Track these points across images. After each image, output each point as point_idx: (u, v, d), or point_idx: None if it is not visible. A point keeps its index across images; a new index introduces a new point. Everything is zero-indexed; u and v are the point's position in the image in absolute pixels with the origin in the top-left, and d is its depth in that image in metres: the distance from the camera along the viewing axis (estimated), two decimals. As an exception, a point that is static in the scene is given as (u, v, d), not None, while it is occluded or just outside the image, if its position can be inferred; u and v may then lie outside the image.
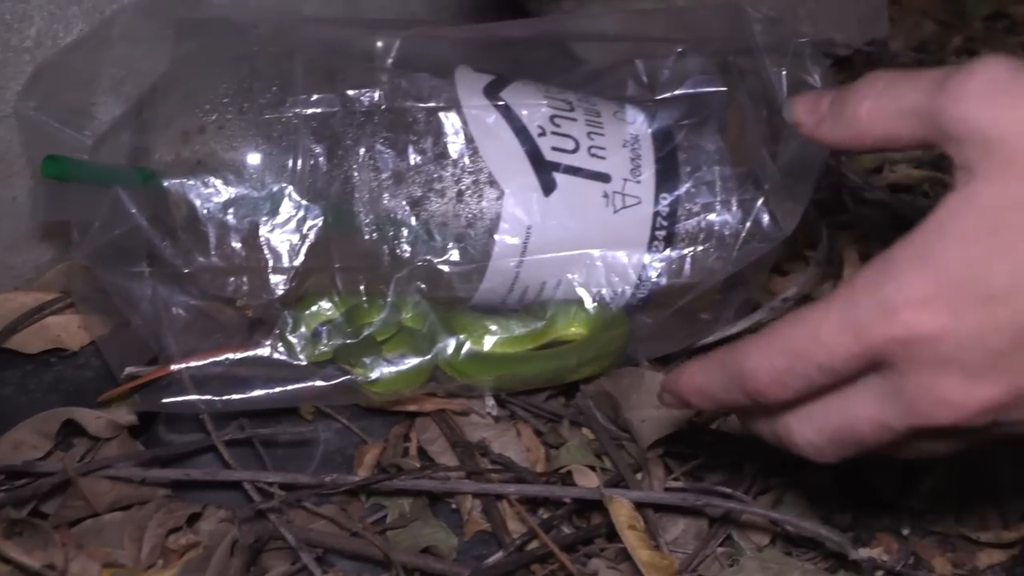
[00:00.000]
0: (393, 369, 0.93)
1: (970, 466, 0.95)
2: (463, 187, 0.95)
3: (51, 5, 0.95)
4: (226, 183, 0.90)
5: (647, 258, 0.98)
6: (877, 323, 0.62)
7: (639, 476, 0.92)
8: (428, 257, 0.95)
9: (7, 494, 0.86)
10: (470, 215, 0.95)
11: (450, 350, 0.95)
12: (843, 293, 0.64)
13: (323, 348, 0.94)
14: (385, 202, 0.93)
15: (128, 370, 0.92)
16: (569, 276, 0.98)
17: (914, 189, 1.24)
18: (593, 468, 0.93)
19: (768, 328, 0.67)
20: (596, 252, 0.97)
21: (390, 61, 1.04)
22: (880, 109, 0.68)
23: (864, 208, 1.20)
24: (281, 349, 0.93)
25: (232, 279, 0.93)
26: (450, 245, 0.95)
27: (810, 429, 0.68)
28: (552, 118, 0.97)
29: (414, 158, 0.94)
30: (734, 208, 0.99)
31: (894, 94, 0.67)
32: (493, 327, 0.98)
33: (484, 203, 0.95)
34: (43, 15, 0.95)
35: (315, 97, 0.93)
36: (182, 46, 0.96)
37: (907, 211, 1.17)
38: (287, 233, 0.91)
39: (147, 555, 0.85)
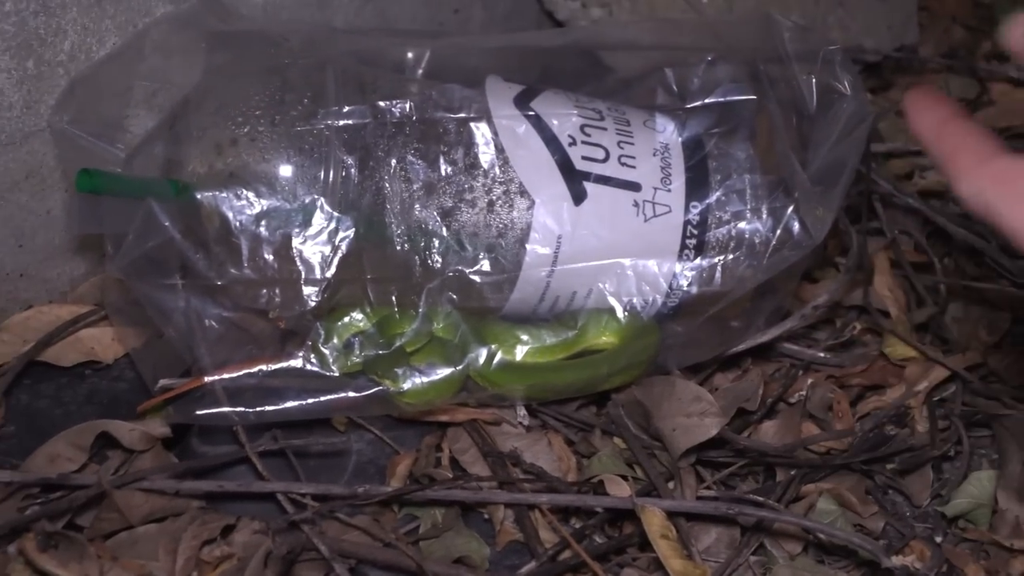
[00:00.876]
0: (425, 379, 0.93)
1: (1003, 473, 0.95)
2: (494, 197, 0.95)
3: (85, 19, 0.96)
4: (258, 195, 0.91)
5: (678, 267, 0.98)
6: None
7: (671, 485, 0.92)
8: (459, 267, 0.95)
9: (43, 507, 0.86)
10: (501, 225, 0.95)
11: (481, 360, 0.95)
12: None
13: (355, 359, 0.94)
14: (416, 213, 0.94)
15: (162, 382, 0.92)
16: (600, 285, 0.98)
17: (944, 195, 1.23)
18: (625, 477, 0.93)
19: None
20: (627, 261, 0.97)
21: (420, 72, 1.05)
22: None
23: (895, 214, 1.20)
24: (313, 360, 0.93)
25: (264, 291, 0.93)
26: (481, 255, 0.95)
27: None
28: (582, 127, 0.97)
29: (445, 169, 0.94)
30: (764, 216, 0.99)
31: None
32: (524, 337, 0.98)
33: (515, 213, 0.95)
34: (77, 29, 0.96)
35: (346, 109, 0.93)
36: (214, 58, 0.96)
37: (937, 217, 1.16)
38: (319, 245, 0.92)
39: (181, 567, 0.85)
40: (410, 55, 1.05)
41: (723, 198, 0.98)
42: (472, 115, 0.96)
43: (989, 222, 0.56)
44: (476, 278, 0.95)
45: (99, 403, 0.98)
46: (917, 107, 0.60)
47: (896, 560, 0.84)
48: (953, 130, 0.59)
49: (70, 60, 0.96)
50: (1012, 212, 0.55)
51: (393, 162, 0.93)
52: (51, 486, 0.88)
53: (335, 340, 0.94)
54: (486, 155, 0.95)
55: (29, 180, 0.98)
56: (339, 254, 0.92)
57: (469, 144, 0.95)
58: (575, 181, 0.96)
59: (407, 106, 0.95)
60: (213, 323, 0.94)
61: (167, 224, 0.89)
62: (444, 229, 0.94)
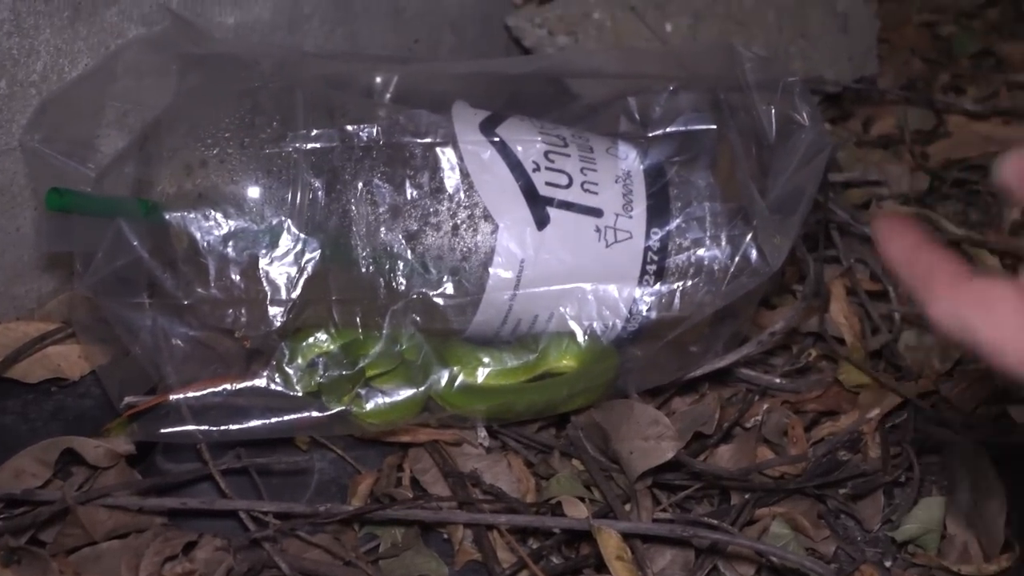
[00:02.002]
0: (387, 400, 0.94)
1: (952, 499, 0.97)
2: (458, 221, 0.96)
3: (57, 40, 0.97)
4: (226, 216, 0.91)
5: (638, 292, 0.99)
6: None
7: (627, 507, 0.93)
8: (423, 290, 0.96)
9: (6, 522, 0.87)
10: (465, 248, 0.96)
11: (443, 382, 0.96)
12: None
13: (319, 379, 0.94)
14: (382, 235, 0.95)
15: (127, 399, 0.92)
16: (561, 309, 0.99)
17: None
18: (582, 499, 0.94)
19: None
20: (588, 286, 0.99)
21: (388, 97, 1.05)
22: None
23: (851, 242, 1.21)
24: (278, 380, 0.94)
25: (231, 310, 0.94)
26: (445, 278, 0.96)
27: None
28: (547, 153, 0.99)
29: (411, 192, 0.95)
30: (723, 243, 1.00)
31: None
32: (486, 359, 0.99)
33: (479, 237, 0.96)
34: (49, 50, 0.96)
35: (315, 132, 0.94)
36: (186, 80, 0.97)
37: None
38: (285, 266, 0.92)
39: (144, 582, 0.86)
40: (379, 80, 1.06)
41: (683, 225, 1.00)
42: (438, 140, 0.97)
43: (964, 342, 0.56)
44: (440, 300, 0.96)
45: (65, 419, 0.98)
46: (886, 234, 0.59)
47: (847, 583, 0.86)
48: (925, 255, 0.58)
49: (42, 80, 0.97)
50: (992, 333, 0.55)
51: (360, 185, 0.94)
52: (15, 501, 0.88)
53: (299, 360, 0.95)
54: (451, 179, 0.96)
55: (-1, 198, 0.99)
56: (305, 275, 0.92)
57: (435, 168, 0.96)
58: (538, 206, 0.97)
59: (374, 130, 0.96)
60: (179, 341, 0.94)
61: (136, 243, 0.90)
62: (409, 252, 0.95)
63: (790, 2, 1.47)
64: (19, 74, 0.95)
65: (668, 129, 1.04)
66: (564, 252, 0.98)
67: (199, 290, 0.92)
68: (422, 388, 0.95)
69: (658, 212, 1.00)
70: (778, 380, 1.07)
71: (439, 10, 1.33)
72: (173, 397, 0.91)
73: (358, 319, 0.96)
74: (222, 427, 0.91)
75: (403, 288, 0.95)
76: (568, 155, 0.99)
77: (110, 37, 1.01)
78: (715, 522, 0.92)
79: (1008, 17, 1.79)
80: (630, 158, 1.02)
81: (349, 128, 0.95)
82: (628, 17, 1.37)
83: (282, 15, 1.15)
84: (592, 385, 0.99)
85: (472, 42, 1.38)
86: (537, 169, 0.98)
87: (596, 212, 0.98)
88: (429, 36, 1.33)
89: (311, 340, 0.97)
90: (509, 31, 1.37)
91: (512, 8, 1.40)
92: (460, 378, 0.97)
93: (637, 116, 1.07)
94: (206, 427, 0.91)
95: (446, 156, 0.97)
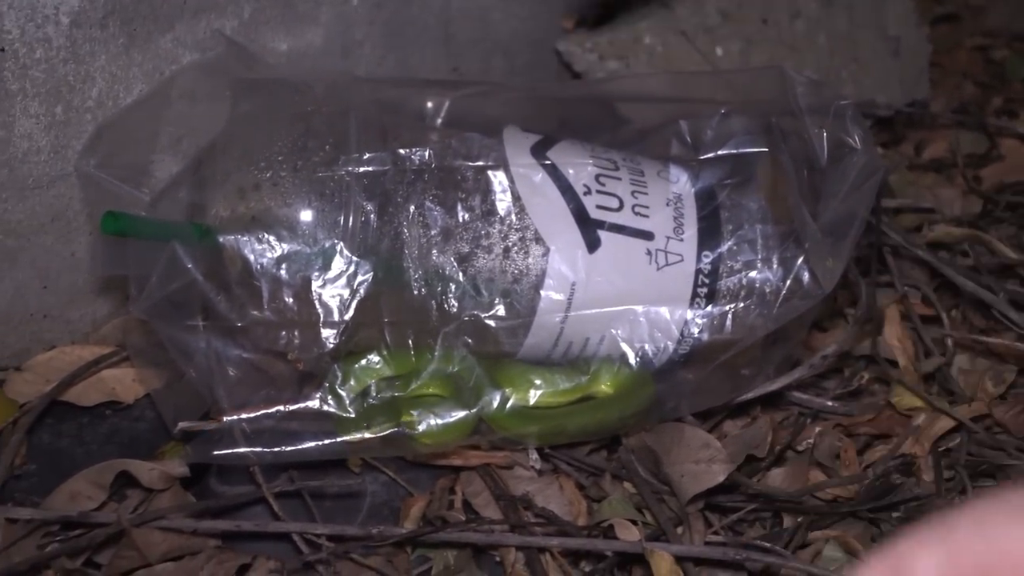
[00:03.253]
0: (439, 421, 0.94)
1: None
2: (510, 243, 0.96)
3: (113, 66, 0.98)
4: (279, 239, 0.92)
5: (689, 314, 0.99)
6: None
7: (680, 530, 0.93)
8: (475, 312, 0.96)
9: (62, 544, 0.88)
10: (516, 271, 0.96)
11: (495, 404, 0.96)
12: None
13: (371, 401, 0.95)
14: (434, 258, 0.95)
15: (181, 425, 0.93)
16: (613, 332, 0.99)
17: (953, 247, 1.24)
18: (634, 522, 0.94)
19: None
20: (639, 308, 0.98)
21: (440, 121, 1.06)
22: None
23: (904, 265, 1.21)
24: (331, 402, 0.94)
25: (284, 333, 0.94)
26: (496, 301, 0.96)
27: None
28: (597, 177, 0.99)
29: (462, 215, 0.96)
30: (775, 266, 1.00)
31: None
32: (538, 381, 0.99)
33: (530, 259, 0.96)
34: (105, 76, 0.98)
35: (367, 156, 0.94)
36: (240, 105, 0.98)
37: (946, 269, 1.17)
38: (338, 288, 0.93)
39: (198, 604, 0.86)
40: (430, 104, 1.07)
41: (735, 247, 1.00)
42: (490, 163, 0.97)
43: None
44: (491, 323, 0.96)
45: (119, 442, 0.99)
46: None
47: (901, 606, 0.85)
48: None
49: (98, 106, 0.98)
50: None
51: (412, 208, 0.95)
52: (71, 524, 0.89)
53: (352, 382, 0.95)
54: (503, 202, 0.97)
55: (55, 223, 1.00)
56: (357, 297, 0.93)
57: (486, 191, 0.97)
58: (589, 229, 0.97)
59: (427, 153, 0.96)
60: (233, 364, 0.94)
61: (190, 266, 0.90)
62: (461, 274, 0.95)
63: (842, 26, 1.46)
64: (75, 100, 0.96)
65: (719, 152, 1.04)
66: (615, 275, 0.98)
67: (253, 312, 0.93)
68: (474, 410, 0.95)
69: (709, 235, 1.00)
70: (830, 403, 1.07)
71: (490, 36, 1.34)
72: (227, 419, 0.92)
73: (410, 341, 0.97)
74: (275, 449, 0.91)
75: (455, 310, 0.96)
76: (619, 178, 1.00)
77: (164, 63, 1.02)
78: (768, 545, 0.91)
79: (1061, 41, 1.78)
80: (681, 181, 1.02)
81: (401, 151, 0.95)
82: (679, 42, 1.37)
83: (334, 42, 1.16)
84: (634, 411, 0.99)
85: (523, 68, 1.38)
86: (588, 192, 0.98)
87: (647, 235, 0.98)
88: (480, 62, 1.33)
89: (363, 362, 0.97)
90: (560, 56, 1.38)
91: (562, 33, 1.41)
92: (512, 400, 0.97)
93: (688, 139, 1.07)
94: (259, 449, 0.91)
95: (497, 179, 0.97)
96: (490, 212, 0.96)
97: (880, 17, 1.51)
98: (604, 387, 1.01)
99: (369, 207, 0.94)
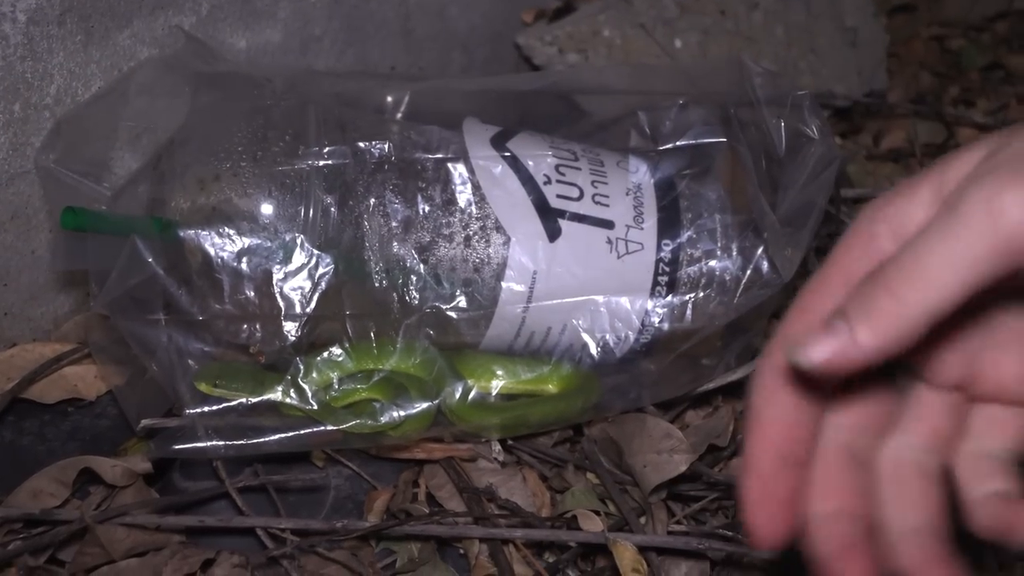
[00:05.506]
0: (401, 413, 0.94)
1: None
2: (471, 233, 0.96)
3: (71, 63, 0.98)
4: (240, 232, 0.92)
5: (650, 303, 1.00)
6: None
7: (643, 520, 0.93)
8: (437, 304, 0.96)
9: (25, 542, 0.87)
10: (477, 260, 0.96)
11: (457, 396, 0.96)
12: None
13: (333, 393, 0.95)
14: (395, 249, 0.95)
15: (144, 422, 0.92)
16: (575, 322, 0.99)
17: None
18: (598, 512, 0.94)
19: None
20: (600, 298, 0.99)
21: (400, 114, 1.06)
22: None
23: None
24: (292, 394, 0.94)
25: (245, 326, 0.94)
26: (458, 292, 0.96)
27: None
28: (557, 167, 0.99)
29: (423, 207, 0.96)
30: (735, 255, 1.00)
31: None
32: (499, 371, 1.00)
33: (491, 249, 0.97)
34: (63, 73, 0.97)
35: (327, 148, 0.94)
36: (199, 98, 0.98)
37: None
38: (299, 281, 0.93)
39: (162, 600, 0.86)
40: (390, 98, 1.07)
41: (694, 236, 1.00)
42: (450, 155, 0.98)
43: None
44: (453, 314, 0.96)
45: (81, 440, 0.98)
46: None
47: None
48: None
49: (56, 103, 0.98)
50: None
51: (372, 200, 0.95)
52: (34, 521, 0.89)
53: (314, 375, 0.95)
54: (463, 194, 0.97)
55: (14, 221, 0.99)
56: (319, 290, 0.93)
57: (446, 183, 0.97)
58: (550, 218, 0.97)
59: (386, 146, 0.96)
60: (195, 358, 0.94)
61: (151, 260, 0.90)
62: (422, 265, 0.95)
63: (799, 18, 1.47)
64: (33, 98, 0.96)
65: (678, 143, 1.04)
66: (576, 264, 0.98)
67: (214, 306, 0.93)
68: (435, 401, 0.95)
69: (669, 224, 1.00)
70: (791, 392, 1.07)
71: (449, 30, 1.34)
72: (188, 412, 0.91)
73: (372, 333, 0.97)
74: (237, 442, 0.91)
75: (416, 302, 0.96)
76: (579, 168, 1.00)
77: (123, 60, 1.02)
78: (730, 534, 0.92)
79: (1017, 30, 1.79)
80: (640, 171, 1.02)
81: (361, 144, 0.96)
82: (637, 34, 1.37)
83: (293, 37, 1.16)
84: (591, 403, 0.99)
85: (482, 61, 1.39)
86: (548, 182, 0.98)
87: (607, 224, 0.99)
88: (439, 56, 1.33)
89: (325, 355, 0.97)
90: (519, 50, 1.38)
91: (522, 26, 1.41)
92: (473, 392, 0.97)
93: (647, 130, 1.07)
94: (221, 443, 0.91)
95: (457, 171, 0.97)
96: (450, 203, 0.96)
97: (837, 8, 1.52)
98: (550, 386, 1.01)
99: (329, 199, 0.93)
